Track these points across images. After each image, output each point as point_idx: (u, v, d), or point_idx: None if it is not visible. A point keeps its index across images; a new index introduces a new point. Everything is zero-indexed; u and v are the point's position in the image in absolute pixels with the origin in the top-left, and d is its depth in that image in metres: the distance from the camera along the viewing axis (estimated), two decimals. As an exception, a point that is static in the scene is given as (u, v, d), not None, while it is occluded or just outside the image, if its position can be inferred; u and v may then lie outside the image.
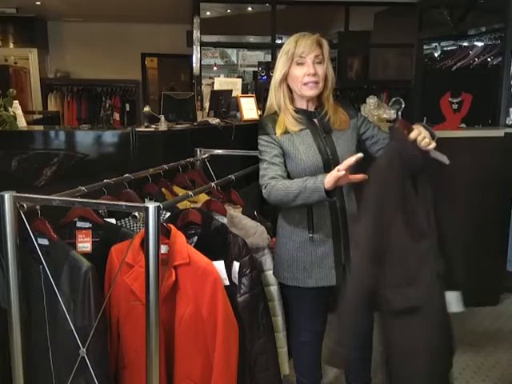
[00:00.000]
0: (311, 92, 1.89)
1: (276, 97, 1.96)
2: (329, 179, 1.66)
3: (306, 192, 1.73)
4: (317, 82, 1.87)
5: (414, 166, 1.65)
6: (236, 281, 1.80)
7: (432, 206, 1.69)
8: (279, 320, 2.04)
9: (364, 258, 1.60)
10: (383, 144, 1.96)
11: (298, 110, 1.95)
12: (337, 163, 1.74)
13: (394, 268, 1.60)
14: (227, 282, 1.76)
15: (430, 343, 1.62)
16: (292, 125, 1.91)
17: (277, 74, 1.91)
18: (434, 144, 1.70)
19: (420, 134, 1.69)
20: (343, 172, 1.61)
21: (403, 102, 1.85)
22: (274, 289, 2.03)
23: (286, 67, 1.89)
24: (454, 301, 1.84)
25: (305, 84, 1.88)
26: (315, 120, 1.95)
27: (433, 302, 1.62)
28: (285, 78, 1.91)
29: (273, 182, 1.85)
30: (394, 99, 1.78)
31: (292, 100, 1.96)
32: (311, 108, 1.96)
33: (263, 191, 1.88)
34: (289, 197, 1.78)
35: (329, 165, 1.85)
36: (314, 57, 1.86)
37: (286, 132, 1.92)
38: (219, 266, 1.73)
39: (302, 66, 1.87)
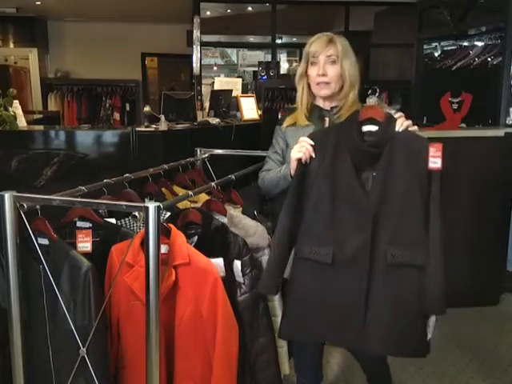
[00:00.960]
0: (322, 92, 1.95)
1: (298, 92, 2.05)
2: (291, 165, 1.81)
3: (281, 180, 1.93)
4: (327, 83, 1.92)
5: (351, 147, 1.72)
6: (241, 279, 1.80)
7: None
8: (279, 320, 2.04)
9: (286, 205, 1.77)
10: None
11: (313, 107, 2.03)
12: None
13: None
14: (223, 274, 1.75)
15: None
16: (301, 119, 2.01)
17: (297, 72, 2.02)
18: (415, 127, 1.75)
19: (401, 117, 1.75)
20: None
21: (378, 91, 1.84)
22: (274, 289, 2.03)
23: (303, 66, 1.98)
24: (431, 325, 1.84)
25: (317, 84, 1.94)
26: (326, 118, 1.99)
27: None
28: (304, 76, 1.99)
29: (264, 174, 2.09)
30: (369, 91, 1.77)
31: (314, 97, 2.03)
32: (327, 106, 2.01)
33: (258, 181, 2.11)
34: (272, 185, 2.00)
35: None
36: (326, 57, 1.90)
37: (293, 125, 2.03)
38: (218, 263, 1.73)
39: (315, 65, 1.93)
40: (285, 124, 2.05)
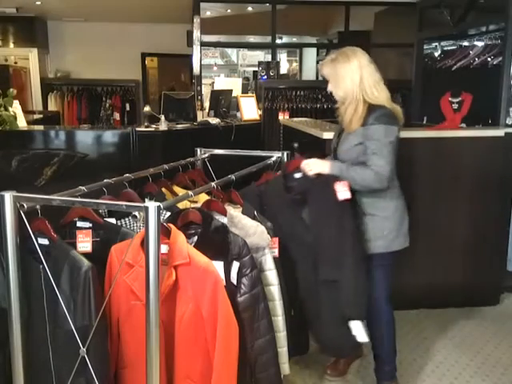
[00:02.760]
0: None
1: None
2: None
3: None
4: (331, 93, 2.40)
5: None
6: (234, 281, 1.80)
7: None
8: (280, 320, 2.04)
9: None
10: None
11: None
12: (335, 152, 2.40)
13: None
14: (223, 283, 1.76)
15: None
16: None
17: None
18: (315, 171, 2.26)
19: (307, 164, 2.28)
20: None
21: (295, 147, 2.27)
22: (274, 288, 2.03)
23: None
24: (358, 330, 2.18)
25: None
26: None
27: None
28: None
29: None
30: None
31: None
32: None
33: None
34: None
35: (335, 154, 2.42)
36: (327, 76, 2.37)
37: None
38: (217, 266, 1.73)
39: None
40: None
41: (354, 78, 2.25)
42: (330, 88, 2.36)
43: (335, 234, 2.15)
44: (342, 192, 2.13)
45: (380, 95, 2.26)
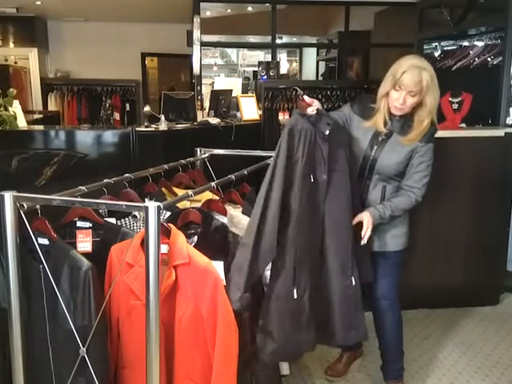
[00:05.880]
0: (397, 113, 2.22)
1: (380, 104, 2.26)
2: None
3: None
4: (401, 109, 2.19)
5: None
6: None
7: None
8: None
9: None
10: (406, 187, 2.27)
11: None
12: (374, 162, 2.25)
13: None
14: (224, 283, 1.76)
15: None
16: (380, 125, 2.27)
17: (381, 89, 2.23)
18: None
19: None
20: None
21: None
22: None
23: (387, 88, 2.20)
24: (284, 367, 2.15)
25: (393, 106, 2.20)
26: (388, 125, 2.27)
27: None
28: (387, 95, 2.22)
29: None
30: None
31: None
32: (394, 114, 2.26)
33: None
34: None
35: (365, 163, 2.27)
36: (408, 92, 2.14)
37: (362, 120, 2.34)
38: (218, 266, 1.73)
39: (398, 92, 2.16)
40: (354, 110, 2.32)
41: (438, 88, 2.19)
42: (411, 102, 2.16)
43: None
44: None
45: None
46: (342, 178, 2.04)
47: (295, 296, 1.89)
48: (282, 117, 5.30)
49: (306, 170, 1.91)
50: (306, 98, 2.02)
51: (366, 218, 2.15)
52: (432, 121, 2.22)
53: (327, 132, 1.97)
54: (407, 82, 2.11)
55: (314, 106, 1.99)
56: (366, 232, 2.14)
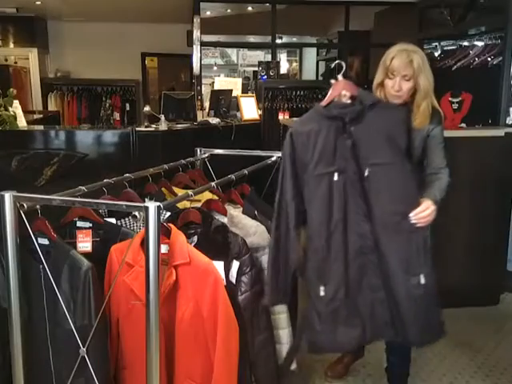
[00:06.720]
0: (394, 101, 2.16)
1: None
2: None
3: None
4: (400, 96, 2.14)
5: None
6: (233, 280, 1.80)
7: None
8: (283, 317, 2.05)
9: None
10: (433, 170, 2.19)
11: None
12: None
13: None
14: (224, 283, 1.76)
15: None
16: None
17: (375, 80, 2.23)
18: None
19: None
20: None
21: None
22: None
23: (381, 77, 2.19)
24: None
25: (391, 94, 2.16)
26: None
27: None
28: (381, 86, 2.20)
29: None
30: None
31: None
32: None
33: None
34: None
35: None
36: (402, 76, 2.11)
37: None
38: (218, 266, 1.73)
39: (392, 79, 2.14)
40: None
41: (430, 71, 2.17)
42: (406, 87, 2.12)
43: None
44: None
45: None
46: (385, 173, 1.89)
47: (321, 293, 1.89)
48: (282, 117, 5.30)
49: (320, 171, 1.87)
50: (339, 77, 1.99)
51: (431, 208, 2.01)
52: (433, 106, 2.19)
53: (352, 128, 1.89)
54: (397, 65, 2.10)
55: (346, 92, 1.94)
56: (422, 213, 1.97)
